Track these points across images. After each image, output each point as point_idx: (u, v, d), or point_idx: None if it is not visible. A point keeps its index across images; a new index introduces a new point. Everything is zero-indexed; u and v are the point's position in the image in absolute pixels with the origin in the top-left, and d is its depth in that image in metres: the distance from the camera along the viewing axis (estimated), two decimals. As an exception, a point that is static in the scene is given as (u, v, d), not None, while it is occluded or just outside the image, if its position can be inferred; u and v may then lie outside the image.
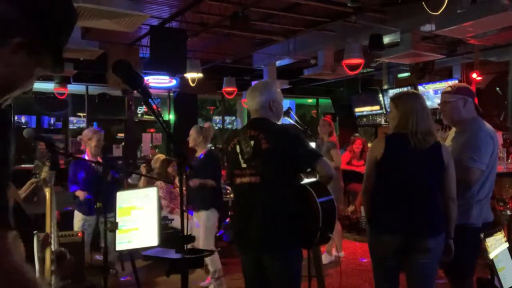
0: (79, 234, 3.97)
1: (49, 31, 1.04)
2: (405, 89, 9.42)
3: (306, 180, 2.85)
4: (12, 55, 1.00)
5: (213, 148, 8.75)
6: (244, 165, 2.70)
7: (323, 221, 2.61)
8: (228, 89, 9.59)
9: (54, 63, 1.11)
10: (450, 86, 3.15)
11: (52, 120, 11.23)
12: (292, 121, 3.52)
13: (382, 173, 2.79)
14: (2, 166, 0.93)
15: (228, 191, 6.32)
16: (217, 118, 15.34)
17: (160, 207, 4.14)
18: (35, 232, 1.35)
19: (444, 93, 3.12)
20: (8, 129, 0.99)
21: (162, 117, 1.57)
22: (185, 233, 1.84)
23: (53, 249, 1.44)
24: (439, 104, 3.24)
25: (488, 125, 3.06)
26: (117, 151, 10.70)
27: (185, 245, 1.88)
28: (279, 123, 2.85)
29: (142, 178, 6.23)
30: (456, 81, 8.59)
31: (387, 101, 9.60)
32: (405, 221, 2.71)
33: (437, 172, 2.72)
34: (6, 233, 0.86)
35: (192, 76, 8.09)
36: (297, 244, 2.70)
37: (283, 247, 2.62)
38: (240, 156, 2.72)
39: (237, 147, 2.75)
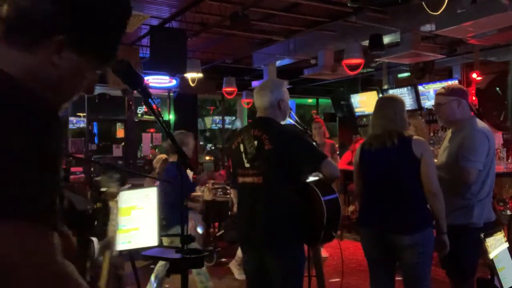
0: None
1: (94, 26, 0.97)
2: (405, 89, 9.43)
3: (310, 178, 2.84)
4: (56, 55, 0.94)
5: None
6: (247, 165, 2.69)
7: (327, 220, 2.61)
8: (228, 89, 9.60)
9: (104, 60, 1.03)
10: (443, 88, 3.16)
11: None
12: (292, 121, 3.52)
13: (362, 175, 2.98)
14: (51, 163, 0.87)
15: (228, 191, 6.32)
16: (217, 118, 15.34)
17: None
18: (92, 238, 1.31)
19: (438, 95, 3.14)
20: (58, 129, 0.90)
21: (162, 117, 1.57)
22: (185, 233, 1.84)
23: (112, 254, 1.40)
24: (433, 105, 3.26)
25: (482, 124, 3.05)
26: (117, 151, 10.70)
27: (185, 245, 1.88)
28: (283, 122, 2.86)
29: (146, 178, 6.23)
30: (456, 81, 8.59)
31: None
32: (379, 217, 2.81)
33: (410, 167, 2.73)
34: (51, 233, 0.85)
35: (192, 76, 8.10)
36: (300, 243, 2.70)
37: (287, 247, 2.62)
38: (243, 156, 2.71)
39: (241, 146, 2.74)
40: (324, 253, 5.43)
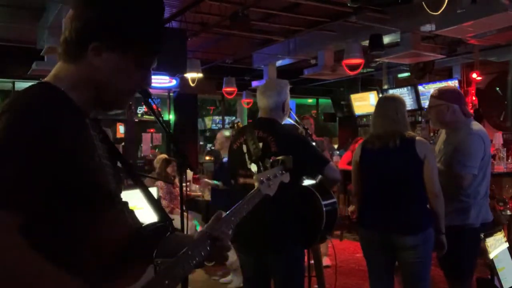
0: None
1: (124, 29, 1.12)
2: (405, 89, 9.44)
3: (308, 182, 2.84)
4: (96, 59, 1.11)
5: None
6: (250, 166, 2.67)
7: (325, 223, 2.62)
8: (228, 89, 9.60)
9: (145, 56, 1.18)
10: (437, 89, 3.14)
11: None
12: (292, 121, 3.52)
13: (362, 175, 2.95)
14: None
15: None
16: (217, 118, 15.34)
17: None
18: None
19: (430, 97, 3.13)
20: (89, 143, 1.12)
21: (162, 117, 1.57)
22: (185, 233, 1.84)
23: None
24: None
25: (478, 127, 3.00)
26: (117, 151, 10.67)
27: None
28: (283, 123, 2.85)
29: (146, 178, 6.23)
30: (456, 81, 8.60)
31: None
32: (381, 218, 2.78)
33: (413, 168, 2.72)
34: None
35: (192, 76, 8.09)
36: (301, 244, 2.70)
37: (289, 248, 2.61)
38: (246, 157, 2.68)
39: (244, 147, 2.71)
40: (327, 262, 5.38)
